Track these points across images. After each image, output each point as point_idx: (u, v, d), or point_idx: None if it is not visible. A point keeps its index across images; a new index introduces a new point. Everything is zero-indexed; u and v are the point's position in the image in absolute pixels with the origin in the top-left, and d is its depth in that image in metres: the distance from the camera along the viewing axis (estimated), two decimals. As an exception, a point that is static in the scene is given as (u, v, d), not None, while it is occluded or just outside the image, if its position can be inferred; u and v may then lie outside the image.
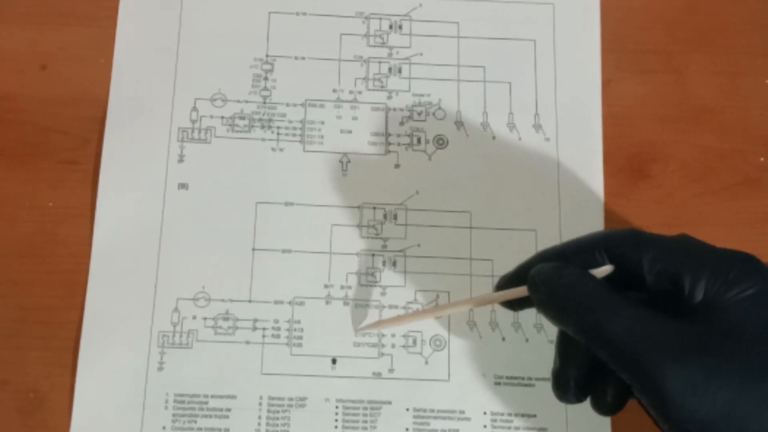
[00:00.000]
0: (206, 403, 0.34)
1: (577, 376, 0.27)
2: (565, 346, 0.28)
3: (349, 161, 0.37)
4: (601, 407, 0.28)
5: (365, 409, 0.34)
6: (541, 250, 0.28)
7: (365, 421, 0.34)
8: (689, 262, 0.25)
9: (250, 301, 0.35)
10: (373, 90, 0.38)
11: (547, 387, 0.34)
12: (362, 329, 0.35)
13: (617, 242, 0.26)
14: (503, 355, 0.35)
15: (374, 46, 0.38)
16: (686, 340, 0.23)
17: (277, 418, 0.34)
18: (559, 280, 0.26)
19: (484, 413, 0.34)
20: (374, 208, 0.36)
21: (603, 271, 0.26)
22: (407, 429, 0.34)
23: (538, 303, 0.26)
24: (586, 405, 0.34)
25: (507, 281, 0.29)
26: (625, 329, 0.24)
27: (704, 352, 0.23)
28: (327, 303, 0.35)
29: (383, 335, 0.35)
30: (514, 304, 0.29)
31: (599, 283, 0.26)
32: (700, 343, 0.23)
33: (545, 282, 0.26)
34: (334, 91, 0.38)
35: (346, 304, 0.35)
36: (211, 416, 0.34)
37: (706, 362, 0.23)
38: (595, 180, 0.37)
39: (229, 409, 0.34)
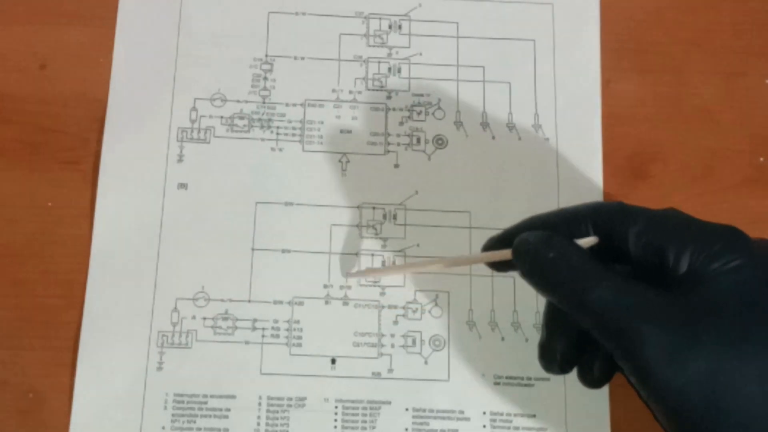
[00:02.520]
0: (205, 403, 0.34)
1: (562, 348, 0.28)
2: (551, 318, 0.28)
3: (348, 161, 0.37)
4: (587, 380, 0.28)
5: (365, 409, 0.34)
6: (529, 217, 0.28)
7: (365, 421, 0.34)
8: (674, 235, 0.25)
9: (249, 301, 0.35)
10: (373, 90, 0.38)
11: (547, 387, 0.34)
12: (352, 275, 0.35)
13: (604, 214, 0.27)
14: (503, 355, 0.35)
15: (374, 46, 0.38)
16: (667, 309, 0.23)
17: (277, 418, 0.34)
18: (544, 249, 0.26)
19: (484, 413, 0.34)
20: (374, 208, 0.36)
21: (588, 242, 0.27)
22: (407, 429, 0.34)
23: (522, 271, 0.27)
24: (586, 405, 0.34)
25: (494, 243, 0.29)
26: (607, 298, 0.24)
27: (684, 322, 0.23)
28: (326, 303, 0.35)
29: (383, 335, 0.35)
30: (499, 266, 0.29)
31: (584, 253, 0.26)
32: (680, 314, 0.23)
33: (530, 251, 0.26)
34: (334, 90, 0.38)
35: (345, 304, 0.35)
36: (210, 416, 0.34)
37: (686, 332, 0.23)
38: (595, 180, 0.37)
39: (228, 409, 0.34)
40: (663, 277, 0.25)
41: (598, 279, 0.25)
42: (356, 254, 0.36)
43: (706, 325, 0.23)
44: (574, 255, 0.26)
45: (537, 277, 0.26)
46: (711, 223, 0.26)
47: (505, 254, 0.28)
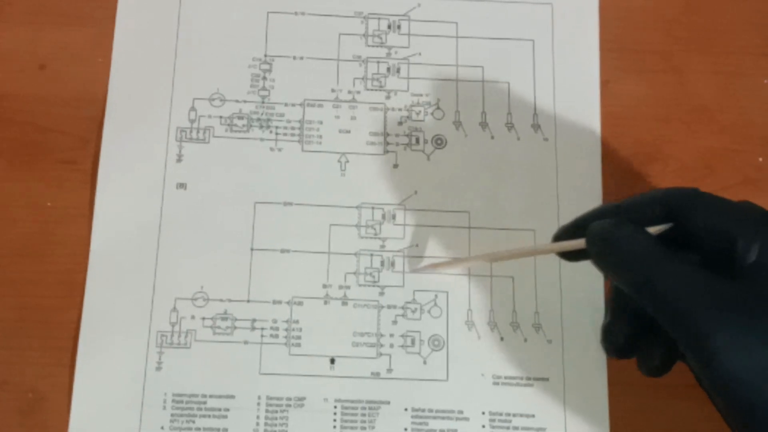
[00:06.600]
0: (204, 403, 0.34)
1: (627, 332, 0.28)
2: (617, 302, 0.29)
3: (347, 161, 0.37)
4: (647, 367, 0.28)
5: (364, 409, 0.34)
6: (600, 205, 0.29)
7: (364, 421, 0.34)
8: (745, 224, 0.25)
9: (248, 301, 0.35)
10: (372, 90, 0.38)
11: (547, 387, 0.34)
12: (417, 270, 0.35)
13: (678, 199, 0.27)
14: (502, 355, 0.35)
15: (373, 46, 0.38)
16: (734, 299, 0.24)
17: (276, 418, 0.34)
18: (616, 236, 0.26)
19: (483, 413, 0.34)
20: (373, 208, 0.36)
21: (659, 229, 0.27)
22: (406, 429, 0.34)
23: (594, 256, 0.27)
24: (586, 405, 0.34)
25: (563, 233, 0.30)
26: (675, 286, 0.24)
27: (750, 312, 0.23)
28: (325, 303, 0.35)
29: (382, 335, 0.35)
30: (570, 256, 0.30)
31: (654, 240, 0.26)
32: (747, 304, 0.24)
33: (603, 237, 0.27)
34: (333, 90, 0.38)
35: (344, 304, 0.35)
36: (209, 416, 0.34)
37: (752, 322, 0.23)
38: (594, 180, 0.37)
39: (227, 409, 0.34)
40: (731, 266, 0.25)
41: (667, 266, 0.25)
42: (355, 254, 0.36)
43: None
44: (644, 242, 0.26)
45: (608, 263, 0.27)
46: None
47: (579, 243, 0.28)
